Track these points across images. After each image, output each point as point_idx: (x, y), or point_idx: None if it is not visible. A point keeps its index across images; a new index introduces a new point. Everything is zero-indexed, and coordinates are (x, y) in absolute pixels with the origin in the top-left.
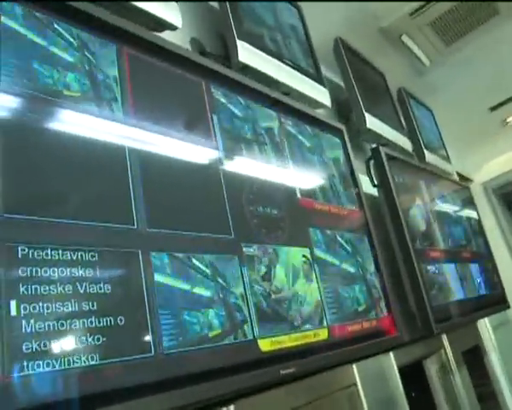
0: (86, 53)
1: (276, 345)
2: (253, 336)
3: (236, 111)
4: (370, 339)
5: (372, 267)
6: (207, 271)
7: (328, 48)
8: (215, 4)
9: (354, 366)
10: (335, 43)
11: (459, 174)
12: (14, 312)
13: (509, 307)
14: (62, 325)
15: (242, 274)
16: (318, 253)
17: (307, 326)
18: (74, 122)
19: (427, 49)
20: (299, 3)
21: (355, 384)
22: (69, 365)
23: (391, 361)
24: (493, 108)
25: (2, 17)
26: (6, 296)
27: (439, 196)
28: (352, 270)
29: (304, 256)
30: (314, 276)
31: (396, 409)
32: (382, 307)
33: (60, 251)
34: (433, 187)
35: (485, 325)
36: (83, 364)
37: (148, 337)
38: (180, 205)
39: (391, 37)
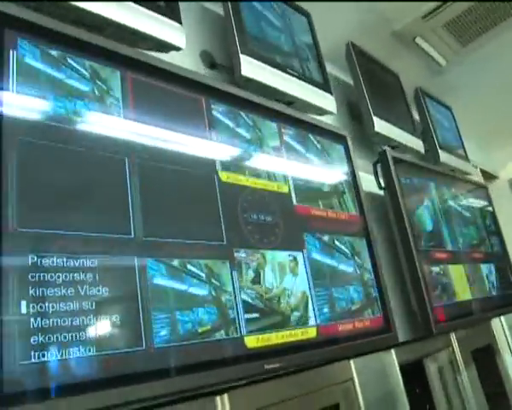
0: (97, 81)
1: (262, 342)
2: (240, 333)
3: (233, 122)
4: (362, 338)
5: (370, 268)
6: (201, 274)
7: (343, 51)
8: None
9: (351, 362)
10: (347, 48)
11: (484, 171)
12: (24, 310)
13: None
14: (64, 321)
15: (233, 277)
16: (312, 256)
17: (295, 325)
18: (81, 144)
19: (443, 50)
20: (309, 11)
21: (351, 380)
22: (69, 355)
23: (392, 358)
24: None
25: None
26: (18, 297)
27: (450, 197)
28: (348, 271)
29: (295, 259)
30: (305, 278)
31: (396, 406)
32: (377, 307)
33: (64, 259)
34: (444, 187)
35: (500, 325)
36: (81, 354)
37: (139, 334)
38: (175, 215)
39: (405, 40)
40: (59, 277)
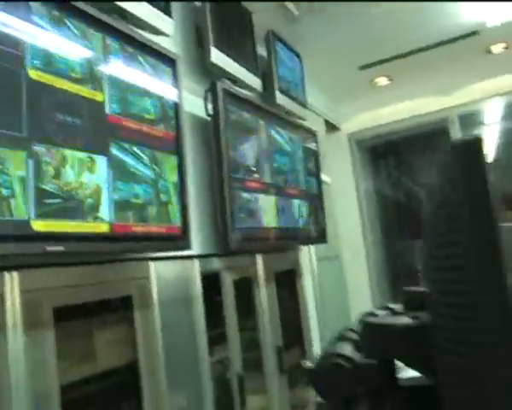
0: None
1: (50, 227)
2: (28, 216)
3: (54, 25)
4: (156, 241)
5: (177, 183)
6: None
7: None
8: None
9: (151, 264)
10: None
11: (328, 122)
12: None
13: (325, 242)
14: None
15: (27, 167)
16: (117, 161)
17: (89, 218)
18: None
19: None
20: None
21: (147, 278)
22: None
23: (194, 267)
24: (362, 68)
25: None
26: None
27: (279, 136)
28: (149, 179)
29: (93, 160)
30: (104, 178)
31: (191, 307)
32: (177, 217)
33: None
34: (273, 127)
35: (308, 254)
36: None
37: None
38: None
39: None
40: None
